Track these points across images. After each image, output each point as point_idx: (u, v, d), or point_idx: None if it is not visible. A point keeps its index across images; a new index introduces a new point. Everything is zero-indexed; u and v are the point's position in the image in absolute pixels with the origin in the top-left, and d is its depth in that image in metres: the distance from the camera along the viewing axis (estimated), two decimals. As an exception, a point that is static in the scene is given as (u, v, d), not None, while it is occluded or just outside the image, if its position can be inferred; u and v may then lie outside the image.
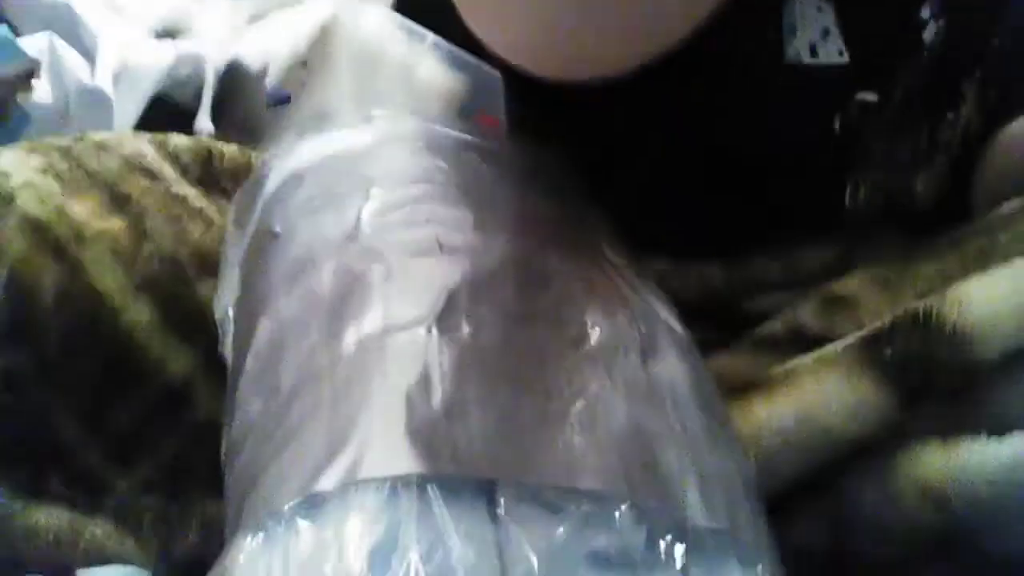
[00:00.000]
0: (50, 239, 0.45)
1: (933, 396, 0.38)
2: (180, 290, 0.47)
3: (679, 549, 0.28)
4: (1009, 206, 0.47)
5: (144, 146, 0.51)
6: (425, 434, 0.28)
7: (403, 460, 0.27)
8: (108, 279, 0.46)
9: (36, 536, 0.42)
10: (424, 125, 0.46)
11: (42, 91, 0.63)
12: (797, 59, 0.48)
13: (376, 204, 0.39)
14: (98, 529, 0.42)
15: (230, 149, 0.53)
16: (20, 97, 0.62)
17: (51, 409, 0.44)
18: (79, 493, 0.44)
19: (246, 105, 0.71)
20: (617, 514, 0.27)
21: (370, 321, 0.32)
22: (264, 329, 0.36)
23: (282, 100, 0.70)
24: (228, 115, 0.72)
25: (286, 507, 0.27)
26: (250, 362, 0.35)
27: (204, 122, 0.69)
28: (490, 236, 0.37)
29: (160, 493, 0.44)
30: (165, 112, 0.69)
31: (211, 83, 0.70)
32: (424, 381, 0.29)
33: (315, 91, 0.69)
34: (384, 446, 0.27)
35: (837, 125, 0.50)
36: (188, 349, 0.46)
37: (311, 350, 0.32)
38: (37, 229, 0.45)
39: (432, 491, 0.27)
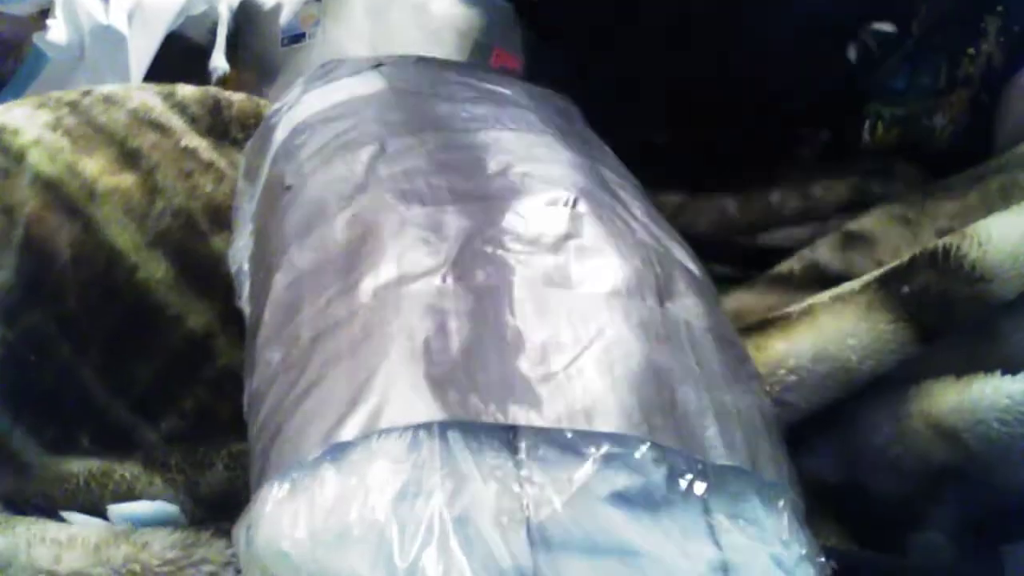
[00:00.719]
0: (63, 197, 0.45)
1: (949, 333, 0.38)
2: (194, 244, 0.47)
3: (700, 487, 0.28)
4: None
5: (151, 98, 0.50)
6: (444, 381, 0.28)
7: (424, 407, 0.27)
8: (122, 236, 0.46)
9: (67, 480, 0.43)
10: (434, 71, 0.45)
11: (57, 30, 0.62)
12: None
13: (386, 154, 0.38)
14: (127, 471, 0.43)
15: (238, 98, 0.53)
16: (35, 36, 0.62)
17: (77, 367, 0.45)
18: (108, 448, 0.45)
19: (260, 42, 0.70)
20: (637, 454, 0.27)
21: (385, 271, 0.32)
22: (280, 281, 0.36)
23: (296, 37, 0.70)
24: (242, 52, 0.71)
25: (311, 456, 0.27)
26: (268, 314, 0.35)
27: (219, 60, 0.68)
28: (503, 183, 0.37)
29: (186, 442, 0.44)
30: (179, 50, 0.68)
31: (225, 20, 0.69)
32: (441, 329, 0.29)
33: (329, 28, 0.68)
34: (404, 394, 0.28)
35: (852, 55, 0.49)
36: (205, 302, 0.46)
37: (328, 301, 0.32)
38: (49, 187, 0.45)
39: (453, 437, 0.27)
